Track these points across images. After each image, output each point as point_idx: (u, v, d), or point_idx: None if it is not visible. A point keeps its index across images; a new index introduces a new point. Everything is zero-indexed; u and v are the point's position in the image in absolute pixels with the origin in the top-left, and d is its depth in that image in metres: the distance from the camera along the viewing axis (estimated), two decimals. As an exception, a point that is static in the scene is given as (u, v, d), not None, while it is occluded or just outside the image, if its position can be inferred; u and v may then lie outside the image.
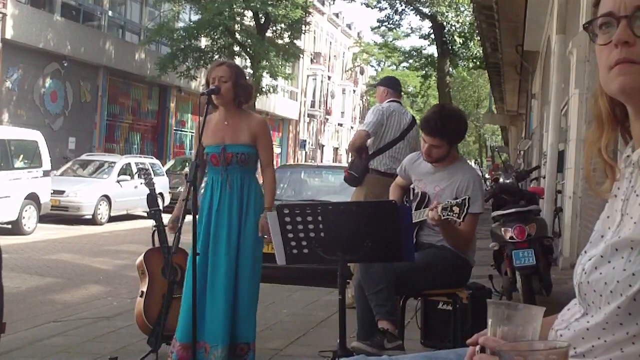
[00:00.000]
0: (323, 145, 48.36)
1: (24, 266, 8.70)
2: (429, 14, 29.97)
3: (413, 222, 3.46)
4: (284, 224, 2.96)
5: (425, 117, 3.73)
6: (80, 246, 11.16)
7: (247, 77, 3.97)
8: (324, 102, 46.96)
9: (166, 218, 4.51)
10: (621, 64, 1.11)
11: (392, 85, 5.81)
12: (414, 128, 5.55)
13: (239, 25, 24.61)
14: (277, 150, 41.14)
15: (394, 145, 5.48)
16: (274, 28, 25.35)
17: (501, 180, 5.96)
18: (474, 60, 30.41)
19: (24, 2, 20.59)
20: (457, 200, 3.28)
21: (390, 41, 40.40)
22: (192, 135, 28.83)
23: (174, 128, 28.93)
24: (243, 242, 3.70)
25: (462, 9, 29.64)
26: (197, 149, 3.77)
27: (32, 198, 12.71)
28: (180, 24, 25.66)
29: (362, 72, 56.70)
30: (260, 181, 3.98)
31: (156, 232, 4.30)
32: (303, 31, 27.16)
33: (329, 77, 47.73)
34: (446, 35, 29.87)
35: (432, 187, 3.70)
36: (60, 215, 14.45)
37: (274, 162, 4.13)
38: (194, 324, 3.37)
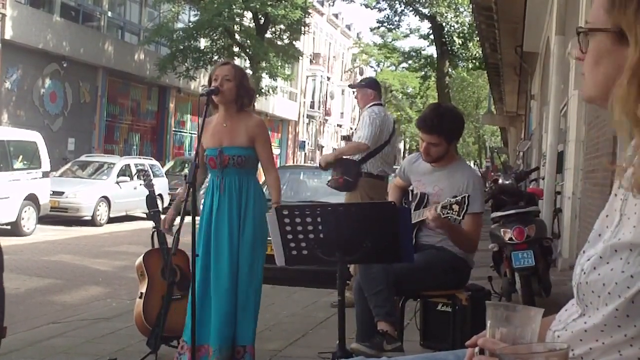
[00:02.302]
0: (322, 146, 48.30)
1: (23, 267, 8.70)
2: (429, 14, 30.00)
3: (412, 222, 3.45)
4: (283, 225, 2.96)
5: (421, 115, 3.72)
6: (80, 247, 11.15)
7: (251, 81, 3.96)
8: (324, 103, 46.90)
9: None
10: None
11: (377, 88, 5.78)
12: (396, 130, 5.64)
13: (238, 26, 24.60)
14: (276, 151, 41.10)
15: (383, 148, 5.50)
16: (274, 29, 25.35)
17: (500, 181, 5.96)
18: (474, 61, 30.45)
19: (24, 3, 20.58)
20: (457, 198, 3.27)
21: (390, 42, 40.44)
22: (191, 136, 28.81)
23: (174, 129, 28.92)
24: (242, 245, 3.69)
25: (461, 9, 29.70)
26: (197, 150, 3.76)
27: (32, 199, 12.70)
28: (180, 25, 25.65)
29: (361, 73, 56.47)
30: (261, 181, 3.97)
31: (155, 234, 4.29)
32: (302, 32, 27.16)
33: (329, 78, 47.67)
34: (445, 36, 29.90)
35: (432, 187, 3.68)
36: (60, 216, 14.43)
37: (275, 161, 4.11)
38: (193, 326, 3.37)
